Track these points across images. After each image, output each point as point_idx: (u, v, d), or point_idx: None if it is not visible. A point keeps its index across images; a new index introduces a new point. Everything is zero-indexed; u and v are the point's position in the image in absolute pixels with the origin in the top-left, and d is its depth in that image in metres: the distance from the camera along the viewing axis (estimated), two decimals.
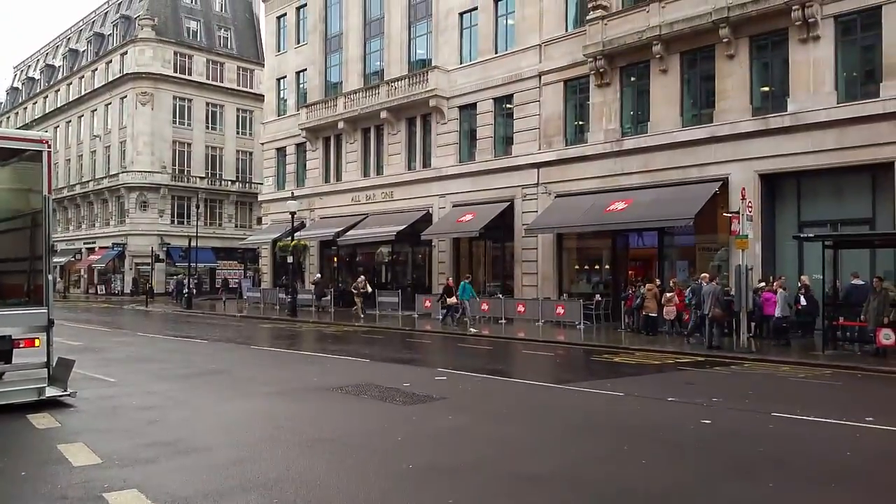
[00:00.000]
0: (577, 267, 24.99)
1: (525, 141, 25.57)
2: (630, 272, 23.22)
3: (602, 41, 22.45)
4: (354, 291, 27.21)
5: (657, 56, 21.45)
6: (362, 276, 28.62)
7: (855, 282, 16.41)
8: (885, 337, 14.13)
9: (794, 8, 18.33)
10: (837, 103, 18.27)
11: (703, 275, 18.01)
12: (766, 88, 20.00)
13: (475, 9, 27.72)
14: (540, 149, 25.05)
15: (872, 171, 17.92)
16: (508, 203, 25.68)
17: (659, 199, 20.87)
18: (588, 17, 22.97)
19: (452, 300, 22.77)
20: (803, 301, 17.64)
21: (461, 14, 28.35)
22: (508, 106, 26.44)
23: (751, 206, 17.78)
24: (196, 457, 6.70)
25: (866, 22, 17.92)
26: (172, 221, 50.91)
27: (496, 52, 26.95)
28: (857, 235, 17.40)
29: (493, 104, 26.89)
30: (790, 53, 19.05)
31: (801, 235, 16.92)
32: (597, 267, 24.59)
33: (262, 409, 9.19)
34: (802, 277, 18.24)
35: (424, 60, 30.24)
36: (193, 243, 39.06)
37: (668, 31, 20.91)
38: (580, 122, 24.37)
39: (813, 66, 18.62)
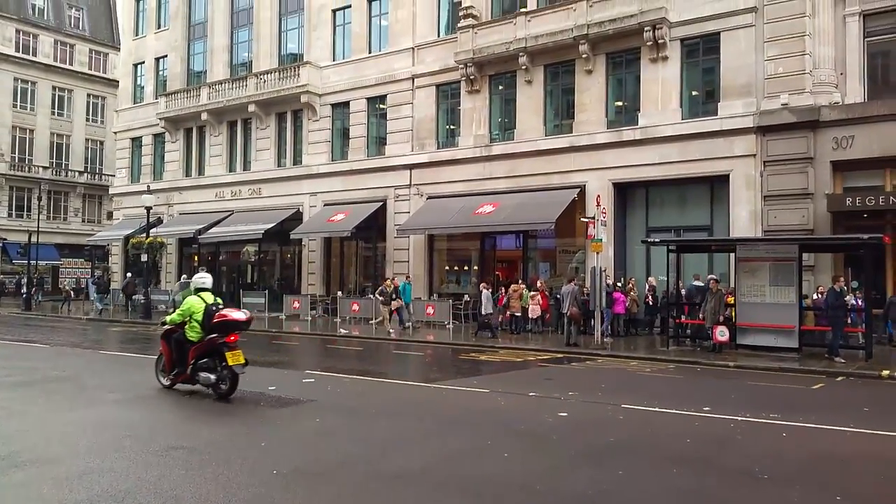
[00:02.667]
0: (447, 268, 25.52)
1: (398, 142, 25.78)
2: (497, 273, 24.01)
3: (472, 49, 23.09)
4: (381, 298, 21.70)
5: (523, 67, 22.34)
6: (390, 279, 22.86)
7: (695, 283, 17.95)
8: (721, 334, 15.56)
9: (646, 29, 19.75)
10: (682, 119, 19.90)
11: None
12: (620, 103, 21.42)
13: (348, 7, 27.60)
14: (413, 150, 25.36)
15: (711, 182, 19.68)
16: (381, 203, 25.78)
17: (524, 204, 21.76)
18: (459, 25, 23.55)
19: (397, 303, 21.45)
20: (650, 300, 19.14)
21: (334, 11, 28.11)
22: (382, 106, 26.54)
23: (605, 213, 18.96)
24: (36, 470, 6.20)
25: (708, 46, 19.66)
26: (10, 214, 46.57)
27: (370, 52, 26.99)
28: (696, 241, 19.00)
29: (366, 104, 26.89)
30: (642, 71, 20.51)
31: (649, 240, 18.26)
32: (466, 268, 25.23)
33: (112, 417, 8.67)
34: (650, 279, 19.74)
35: (296, 55, 29.68)
36: (34, 239, 35.96)
37: (534, 44, 21.85)
38: (452, 126, 24.93)
39: (662, 84, 20.15)
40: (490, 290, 19.83)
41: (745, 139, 18.78)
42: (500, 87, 23.68)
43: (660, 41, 19.76)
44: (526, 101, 22.73)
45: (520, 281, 21.29)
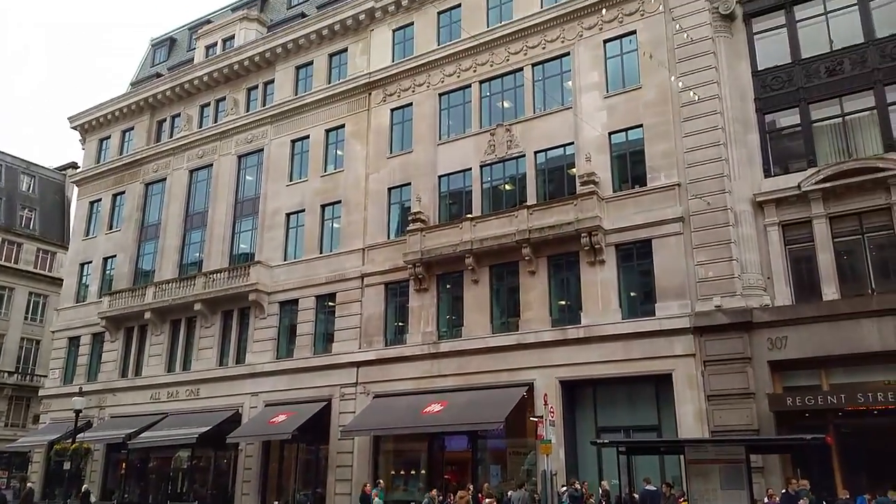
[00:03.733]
0: (393, 472, 24.30)
1: (346, 339, 25.71)
2: (446, 476, 22.99)
3: (421, 250, 24.00)
4: None
5: (469, 268, 23.20)
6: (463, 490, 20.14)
7: (647, 487, 17.42)
8: None
9: (582, 235, 21.01)
10: (622, 319, 20.55)
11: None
12: (564, 302, 22.14)
13: (302, 210, 28.76)
14: (360, 347, 25.25)
15: (656, 381, 19.90)
16: (326, 403, 25.07)
17: (473, 402, 21.48)
18: (409, 228, 24.67)
19: None
20: None
21: (288, 214, 29.22)
22: (331, 304, 26.78)
23: (553, 412, 18.79)
24: None
25: (641, 251, 20.87)
26: None
27: (321, 252, 27.74)
28: (645, 442, 18.78)
29: (315, 301, 27.10)
30: (582, 273, 21.48)
31: (598, 441, 17.97)
32: (413, 472, 24.10)
33: None
34: (602, 483, 19.12)
35: (248, 255, 30.26)
36: None
37: (479, 247, 22.88)
38: (400, 324, 25.13)
39: (601, 285, 21.06)
40: (440, 497, 18.79)
41: (683, 339, 19.37)
42: (448, 286, 24.35)
43: (596, 246, 20.96)
44: (473, 299, 23.32)
45: (468, 486, 20.37)
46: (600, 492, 18.81)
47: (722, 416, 18.35)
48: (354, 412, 24.26)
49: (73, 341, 34.65)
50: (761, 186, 19.70)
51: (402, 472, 24.38)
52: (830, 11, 19.84)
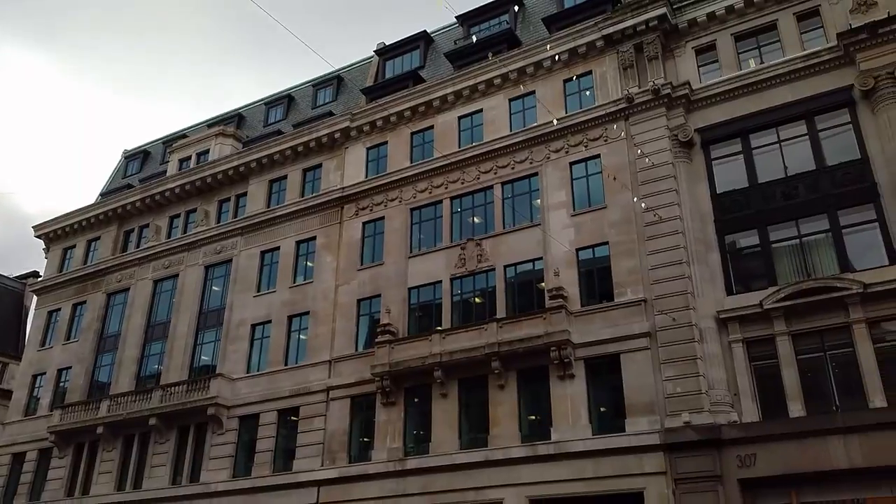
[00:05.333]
0: None
1: (308, 456, 24.78)
2: None
3: (389, 363, 23.73)
4: None
5: (438, 381, 22.92)
6: None
7: None
8: None
9: (552, 349, 21.07)
10: (592, 435, 20.27)
11: None
12: (533, 417, 21.83)
13: (269, 322, 28.45)
14: (323, 465, 24.32)
15: (627, 500, 19.32)
16: None
17: None
18: (377, 340, 24.47)
19: None
20: None
21: (254, 325, 28.85)
22: (293, 418, 25.98)
23: None
24: None
25: (609, 366, 20.93)
26: None
27: (286, 364, 27.21)
28: None
29: (277, 416, 26.30)
30: (551, 388, 21.35)
31: None
32: None
33: None
34: None
35: (209, 367, 29.48)
36: None
37: (449, 359, 22.72)
38: (365, 439, 24.42)
39: (570, 400, 20.91)
40: None
41: (654, 456, 19.10)
42: (416, 400, 23.90)
43: (565, 360, 20.99)
44: (441, 414, 22.87)
45: None
46: None
47: None
48: None
49: (17, 458, 32.65)
50: (724, 304, 20.19)
51: None
52: (784, 140, 21.22)
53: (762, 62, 22.37)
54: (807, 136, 20.93)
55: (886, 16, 19.96)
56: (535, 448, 20.76)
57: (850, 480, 17.19)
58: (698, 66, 23.57)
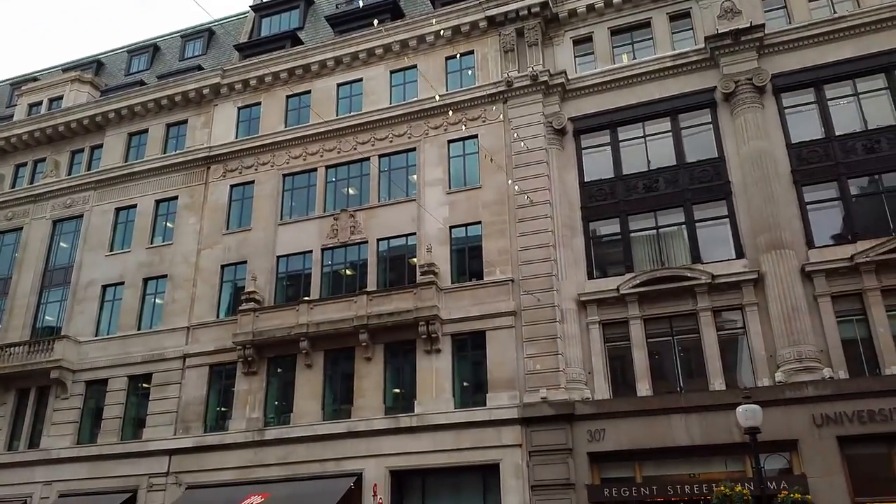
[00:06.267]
0: None
1: (160, 424, 23.65)
2: None
3: (252, 332, 23.02)
4: None
5: (304, 352, 22.53)
6: None
7: None
8: None
9: (420, 324, 21.26)
10: (455, 408, 20.74)
11: None
12: (398, 390, 22.01)
13: (122, 283, 26.73)
14: (176, 434, 23.30)
15: (483, 471, 20.04)
16: (130, 494, 22.68)
17: (297, 494, 20.36)
18: (241, 308, 23.63)
19: None
20: None
21: (105, 286, 27.01)
22: (146, 385, 24.68)
23: (381, 503, 18.25)
24: None
25: (475, 342, 21.44)
26: None
27: (139, 329, 25.74)
28: None
29: (127, 382, 24.87)
30: (417, 362, 21.58)
31: None
32: None
33: None
34: None
35: (53, 328, 27.32)
36: None
37: (316, 331, 22.37)
38: (223, 409, 23.62)
39: (435, 374, 21.25)
40: None
41: (511, 430, 19.84)
42: (279, 370, 23.39)
43: (433, 335, 21.25)
44: (305, 385, 22.53)
45: None
46: None
47: None
48: None
49: None
50: (585, 287, 21.18)
51: None
52: (649, 135, 22.37)
53: (635, 58, 23.41)
54: (670, 133, 22.18)
55: (749, 25, 21.43)
56: (398, 420, 20.96)
57: (688, 456, 18.67)
58: (575, 57, 24.30)
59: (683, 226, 21.08)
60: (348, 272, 24.12)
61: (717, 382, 19.04)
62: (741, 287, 19.64)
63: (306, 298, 23.24)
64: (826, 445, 17.32)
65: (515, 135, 22.81)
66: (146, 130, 29.28)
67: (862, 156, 20.00)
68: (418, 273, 22.28)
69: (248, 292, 23.96)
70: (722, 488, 16.59)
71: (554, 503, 18.75)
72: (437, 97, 23.40)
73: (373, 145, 25.12)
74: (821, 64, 21.10)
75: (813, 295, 18.97)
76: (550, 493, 18.89)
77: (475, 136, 23.85)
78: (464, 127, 23.98)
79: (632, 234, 21.56)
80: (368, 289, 22.75)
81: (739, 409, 14.81)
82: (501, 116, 23.64)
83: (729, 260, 20.16)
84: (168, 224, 27.44)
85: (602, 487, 18.68)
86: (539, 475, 19.17)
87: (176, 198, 27.55)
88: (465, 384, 21.50)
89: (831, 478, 16.98)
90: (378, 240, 23.79)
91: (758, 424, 14.59)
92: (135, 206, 28.11)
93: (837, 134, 20.43)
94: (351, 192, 25.13)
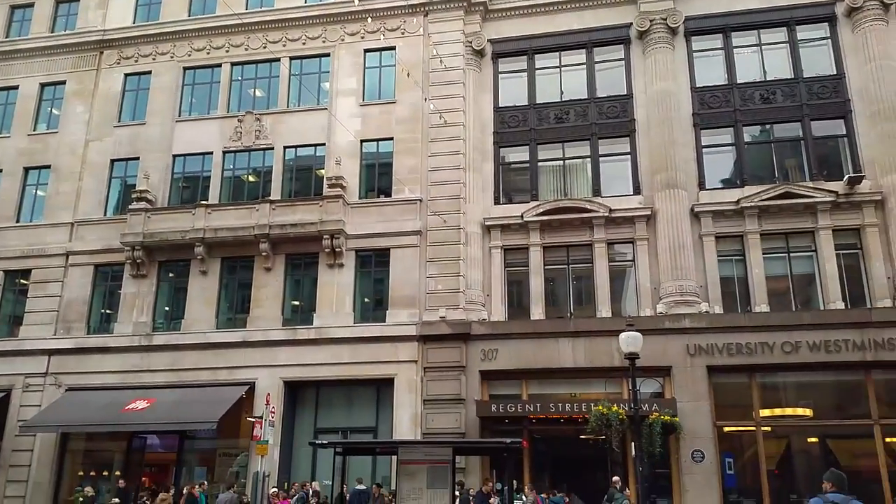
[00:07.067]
0: (81, 473, 21.62)
1: (38, 323, 22.49)
2: (144, 479, 21.13)
3: (143, 233, 22.01)
4: None
5: (198, 257, 21.81)
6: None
7: (359, 487, 17.79)
8: None
9: (324, 237, 21.00)
10: (354, 323, 20.89)
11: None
12: (297, 302, 21.86)
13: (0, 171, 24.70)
14: (56, 334, 22.25)
15: (378, 384, 20.50)
16: (3, 394, 21.63)
17: (184, 400, 20.11)
18: (131, 207, 22.45)
19: None
20: None
21: None
22: (23, 282, 23.25)
23: (274, 412, 18.37)
24: None
25: (379, 259, 21.47)
26: None
27: (17, 221, 24.04)
28: (362, 443, 19.19)
29: (3, 276, 23.36)
30: (319, 275, 21.42)
31: (317, 442, 17.90)
32: (106, 473, 21.72)
33: None
34: (313, 483, 19.11)
35: None
36: None
37: (212, 236, 21.65)
38: (108, 311, 22.71)
39: (337, 288, 21.19)
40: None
41: (409, 346, 20.25)
42: (171, 275, 22.61)
43: (337, 249, 21.08)
44: (199, 291, 21.92)
45: (171, 489, 18.94)
46: (310, 492, 18.81)
47: (434, 420, 19.49)
48: (40, 406, 21.27)
49: None
50: (491, 212, 21.50)
51: (92, 474, 21.80)
52: (565, 66, 22.44)
53: None
54: (584, 66, 22.35)
55: None
56: (296, 332, 20.90)
57: (572, 377, 19.82)
58: None
59: (588, 159, 21.61)
60: (251, 178, 23.30)
61: (605, 310, 20.09)
62: (635, 222, 20.55)
63: (204, 202, 22.31)
64: (696, 373, 18.80)
65: (434, 51, 22.29)
66: (31, 4, 26.52)
67: (758, 105, 21.00)
68: (325, 185, 21.82)
69: (139, 191, 22.73)
70: (600, 408, 17.81)
71: (444, 416, 19.49)
72: (356, 1, 22.40)
73: (284, 46, 23.87)
74: (731, 11, 21.70)
75: (699, 234, 20.14)
76: (441, 407, 19.60)
77: (393, 49, 23.12)
78: (382, 37, 23.13)
79: (539, 164, 21.90)
80: (272, 197, 22.09)
81: (622, 335, 15.71)
82: (421, 30, 22.98)
83: (626, 195, 20.95)
84: (54, 111, 25.33)
85: (490, 403, 19.54)
86: (432, 390, 19.80)
87: (63, 82, 25.35)
88: (365, 300, 21.62)
89: (698, 403, 18.53)
90: (285, 147, 22.98)
91: (637, 350, 15.55)
92: (16, 87, 25.69)
93: (739, 82, 21.29)
94: (258, 93, 23.98)
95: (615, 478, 16.81)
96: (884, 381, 18.58)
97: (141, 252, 22.11)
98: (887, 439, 18.21)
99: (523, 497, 18.06)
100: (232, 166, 23.35)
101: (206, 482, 19.50)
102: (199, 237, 21.62)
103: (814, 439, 19.12)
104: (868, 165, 19.73)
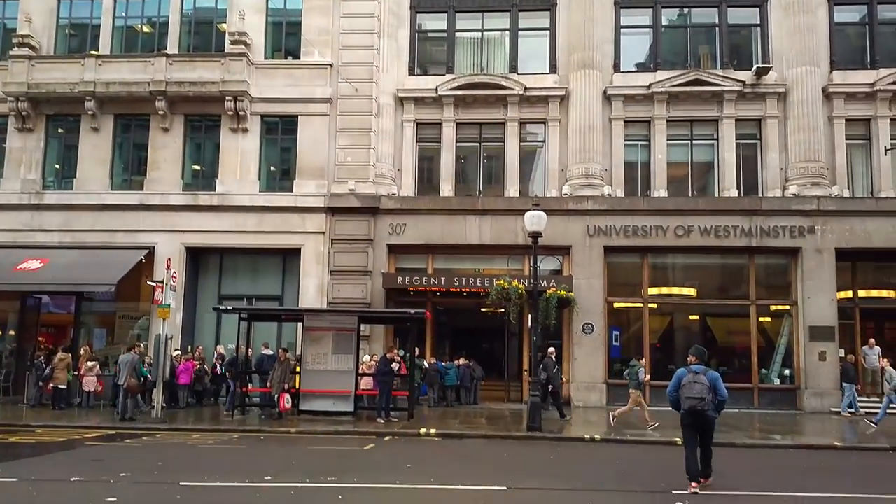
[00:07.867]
0: None
1: None
2: (41, 339, 20.75)
3: (28, 83, 20.29)
4: None
5: (90, 112, 20.41)
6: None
7: (265, 352, 18.10)
8: (287, 401, 15.91)
9: (227, 98, 19.94)
10: (260, 191, 20.37)
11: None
12: (198, 167, 21.02)
13: None
14: None
15: (284, 254, 20.39)
16: None
17: (80, 262, 19.47)
18: (13, 53, 20.52)
19: None
20: (219, 369, 18.71)
21: None
22: None
23: (175, 277, 18.04)
24: None
25: (286, 127, 20.69)
26: None
27: None
28: (267, 310, 19.31)
29: None
30: (222, 139, 20.53)
31: (221, 308, 17.92)
32: None
33: None
34: (218, 347, 19.31)
35: None
36: None
37: (104, 91, 20.21)
38: None
39: (241, 154, 20.43)
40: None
41: (316, 217, 20.03)
42: (61, 130, 21.17)
43: (241, 113, 20.11)
44: (91, 149, 20.69)
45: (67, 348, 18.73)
46: (215, 355, 19.06)
47: (341, 291, 19.71)
48: None
49: None
50: (405, 83, 20.83)
51: None
52: None
53: None
54: None
55: None
56: (197, 197, 20.24)
57: (477, 254, 20.30)
58: None
59: (507, 33, 20.97)
60: (146, 29, 21.54)
61: (513, 190, 20.29)
62: (549, 102, 20.42)
63: (94, 52, 20.59)
64: (594, 253, 19.55)
65: None
66: None
67: None
68: (228, 42, 20.45)
69: (21, 35, 20.71)
70: (501, 282, 18.41)
71: (350, 287, 19.71)
72: None
73: None
74: None
75: (609, 117, 20.27)
76: (348, 278, 19.78)
77: None
78: None
79: (457, 34, 21.14)
80: (169, 51, 20.56)
81: (527, 214, 15.92)
82: None
83: (542, 74, 20.66)
84: None
85: (396, 276, 19.84)
86: (339, 262, 19.86)
87: None
88: (272, 168, 21.00)
89: (592, 280, 19.41)
90: None
91: (541, 230, 15.86)
92: None
93: None
94: None
95: (550, 349, 17.66)
96: (764, 265, 19.91)
97: (26, 103, 20.48)
98: (760, 319, 19.79)
99: (424, 363, 18.92)
100: (124, 14, 21.45)
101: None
102: (90, 91, 20.12)
103: (695, 317, 20.52)
104: (776, 57, 20.03)
